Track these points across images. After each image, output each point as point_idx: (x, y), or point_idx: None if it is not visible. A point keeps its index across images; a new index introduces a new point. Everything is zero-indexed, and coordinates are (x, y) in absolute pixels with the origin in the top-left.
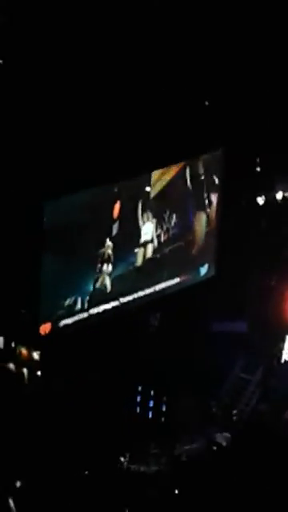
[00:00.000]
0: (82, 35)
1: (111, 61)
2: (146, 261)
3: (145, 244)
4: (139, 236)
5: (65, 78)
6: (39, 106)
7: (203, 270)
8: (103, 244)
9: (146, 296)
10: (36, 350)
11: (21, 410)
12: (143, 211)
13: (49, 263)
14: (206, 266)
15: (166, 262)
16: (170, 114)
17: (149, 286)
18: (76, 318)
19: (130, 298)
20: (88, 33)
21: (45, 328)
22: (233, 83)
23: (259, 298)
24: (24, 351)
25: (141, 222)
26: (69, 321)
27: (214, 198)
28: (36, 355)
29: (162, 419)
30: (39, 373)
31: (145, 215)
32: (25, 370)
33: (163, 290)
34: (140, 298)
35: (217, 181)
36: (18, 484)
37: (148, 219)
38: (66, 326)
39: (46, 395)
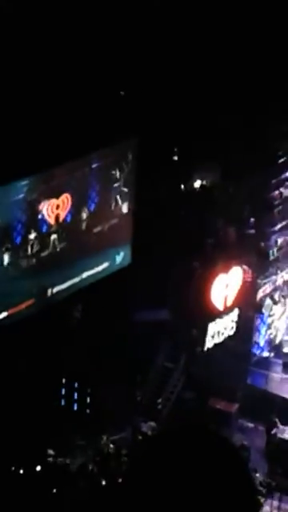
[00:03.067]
0: None
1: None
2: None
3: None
4: None
5: None
6: None
7: (119, 258)
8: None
9: (68, 288)
10: None
11: None
12: None
13: None
14: (122, 253)
15: None
16: (83, 104)
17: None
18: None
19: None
20: None
21: None
22: (148, 72)
23: (181, 286)
24: None
25: None
26: None
27: (124, 188)
28: None
29: (87, 411)
30: None
31: None
32: None
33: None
34: (62, 290)
35: (127, 170)
36: None
37: None
38: None
39: None
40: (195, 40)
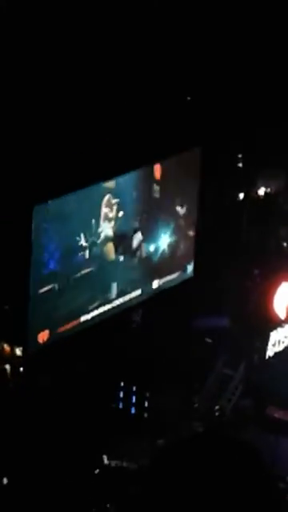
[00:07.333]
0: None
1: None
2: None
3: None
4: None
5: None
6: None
7: (190, 268)
8: None
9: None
10: (19, 346)
11: (3, 407)
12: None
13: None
14: (192, 263)
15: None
16: (150, 111)
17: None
18: (72, 324)
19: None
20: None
21: (43, 335)
22: (214, 79)
23: (242, 294)
24: (7, 347)
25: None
26: (66, 326)
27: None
28: (19, 351)
29: (145, 415)
30: (22, 369)
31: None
32: (7, 367)
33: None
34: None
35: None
36: (5, 481)
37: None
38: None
39: (29, 391)
40: (265, 47)
